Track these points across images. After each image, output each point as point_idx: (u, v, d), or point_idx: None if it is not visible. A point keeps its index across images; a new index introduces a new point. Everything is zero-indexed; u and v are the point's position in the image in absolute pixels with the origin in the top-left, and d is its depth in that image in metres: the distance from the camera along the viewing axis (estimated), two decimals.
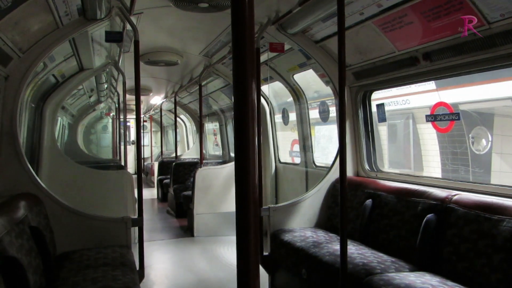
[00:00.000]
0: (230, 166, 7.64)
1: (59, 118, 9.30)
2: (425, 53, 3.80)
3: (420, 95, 5.24)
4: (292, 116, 7.19)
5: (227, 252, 6.36)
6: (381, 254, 3.72)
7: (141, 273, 4.17)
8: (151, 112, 16.88)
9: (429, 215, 3.50)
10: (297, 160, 7.17)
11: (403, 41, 3.93)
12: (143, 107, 15.92)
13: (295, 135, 7.28)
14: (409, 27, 3.72)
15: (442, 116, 4.18)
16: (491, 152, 4.54)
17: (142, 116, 12.82)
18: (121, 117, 10.09)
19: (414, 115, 5.66)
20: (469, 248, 3.11)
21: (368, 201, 4.32)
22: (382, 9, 3.76)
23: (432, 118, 4.28)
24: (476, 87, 4.44)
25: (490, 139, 4.51)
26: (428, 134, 5.48)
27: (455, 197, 3.46)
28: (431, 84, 4.80)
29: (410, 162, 5.76)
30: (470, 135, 4.65)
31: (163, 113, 14.39)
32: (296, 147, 7.30)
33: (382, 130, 5.71)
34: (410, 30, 3.73)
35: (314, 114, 6.61)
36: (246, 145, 1.36)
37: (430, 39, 3.65)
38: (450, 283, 3.01)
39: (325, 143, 7.02)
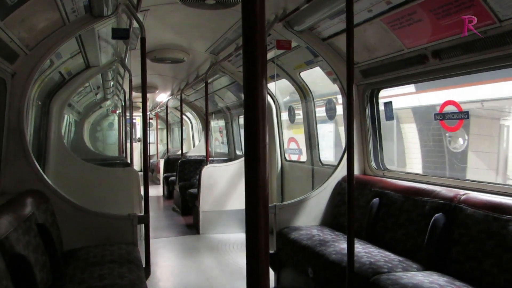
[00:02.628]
0: (236, 164, 7.64)
1: (66, 116, 9.34)
2: (435, 51, 3.76)
3: (402, 98, 5.54)
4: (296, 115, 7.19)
5: (233, 250, 6.36)
6: (388, 253, 3.70)
7: (147, 270, 4.18)
8: (157, 110, 16.90)
9: (437, 215, 3.47)
10: (294, 157, 7.16)
11: (412, 38, 3.89)
12: (149, 105, 15.94)
13: (291, 133, 7.38)
14: (418, 25, 3.68)
15: (450, 115, 4.14)
16: (467, 150, 4.76)
17: (148, 113, 12.83)
18: (127, 114, 10.10)
19: (398, 115, 5.91)
20: (478, 248, 3.08)
21: (375, 200, 4.29)
22: (391, 6, 3.72)
23: (441, 116, 4.25)
24: (454, 90, 4.53)
25: (466, 138, 4.67)
26: (410, 133, 5.97)
27: (463, 197, 3.43)
28: (410, 87, 5.23)
29: (394, 159, 6.03)
30: (447, 134, 4.83)
31: (169, 111, 14.40)
32: (292, 145, 7.42)
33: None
34: (419, 27, 3.68)
35: (318, 112, 6.59)
36: (256, 142, 1.34)
37: (440, 37, 3.60)
38: (458, 283, 2.99)
39: (324, 141, 7.03)
